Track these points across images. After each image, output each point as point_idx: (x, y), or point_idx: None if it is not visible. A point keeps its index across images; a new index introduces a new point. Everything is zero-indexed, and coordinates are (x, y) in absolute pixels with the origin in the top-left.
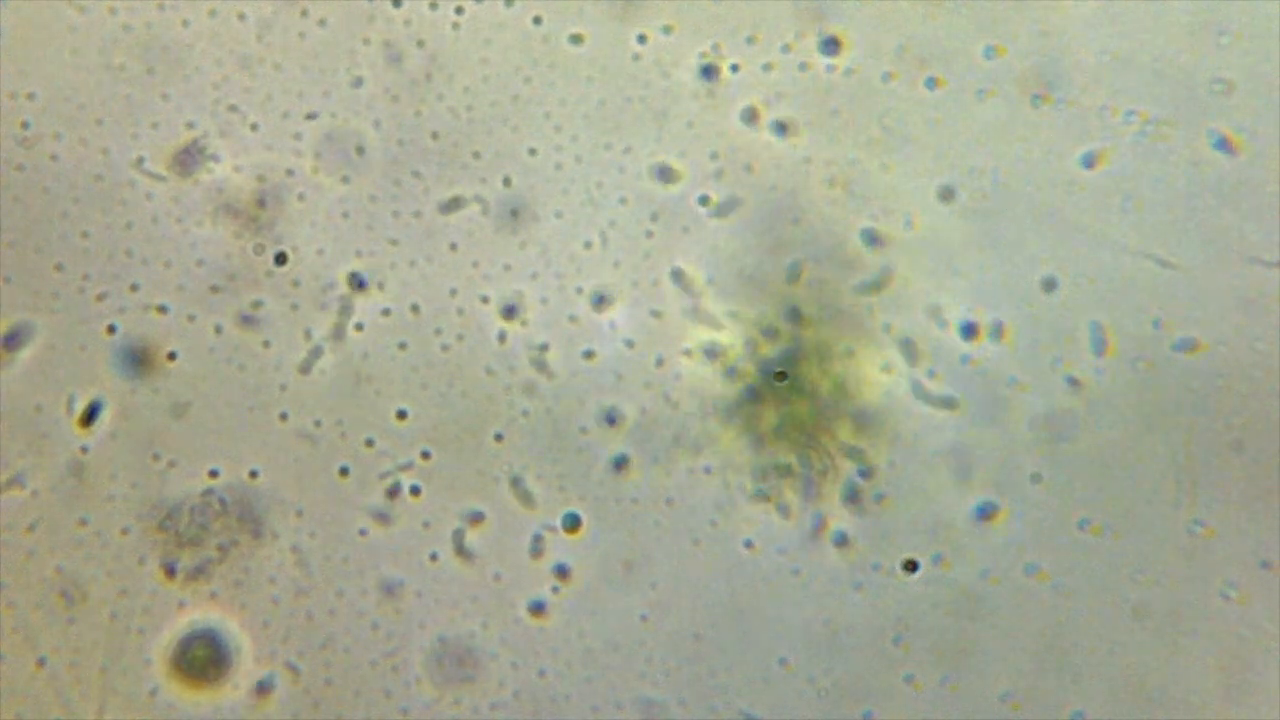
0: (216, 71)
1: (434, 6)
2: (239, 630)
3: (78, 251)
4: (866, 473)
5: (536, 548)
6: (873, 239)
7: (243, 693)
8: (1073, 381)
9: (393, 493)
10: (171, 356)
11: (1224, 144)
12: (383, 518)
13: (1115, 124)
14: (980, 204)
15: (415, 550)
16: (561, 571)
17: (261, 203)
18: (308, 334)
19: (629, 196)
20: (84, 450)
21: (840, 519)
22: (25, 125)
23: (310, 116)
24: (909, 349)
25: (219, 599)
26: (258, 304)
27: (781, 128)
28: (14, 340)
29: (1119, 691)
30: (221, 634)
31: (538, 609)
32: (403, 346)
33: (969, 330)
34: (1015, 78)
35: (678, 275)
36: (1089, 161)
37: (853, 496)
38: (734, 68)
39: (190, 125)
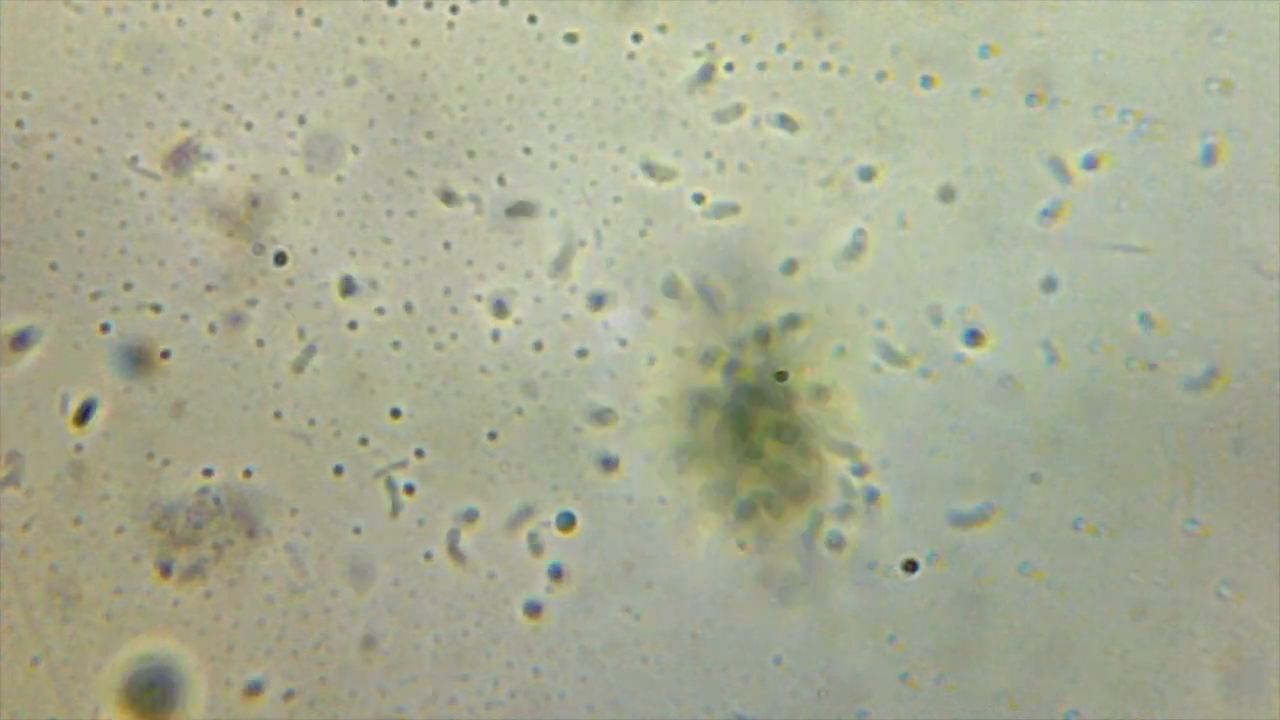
0: (211, 71)
1: (429, 5)
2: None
3: (73, 250)
4: (861, 472)
5: (531, 547)
6: (868, 238)
7: (236, 692)
8: (1071, 381)
9: (397, 509)
10: (166, 355)
11: (1221, 144)
12: (384, 516)
13: (1111, 124)
14: (979, 204)
15: (410, 549)
16: (556, 571)
17: (255, 202)
18: (301, 333)
19: (624, 195)
20: (79, 449)
21: (837, 519)
22: (21, 124)
23: (301, 120)
24: (906, 348)
25: (214, 598)
26: (252, 303)
27: (777, 127)
28: (13, 339)
29: (1118, 691)
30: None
31: (533, 608)
32: (397, 345)
33: (967, 330)
34: (1011, 77)
35: (670, 281)
36: (1086, 161)
37: (844, 510)
38: (729, 67)
39: (185, 124)
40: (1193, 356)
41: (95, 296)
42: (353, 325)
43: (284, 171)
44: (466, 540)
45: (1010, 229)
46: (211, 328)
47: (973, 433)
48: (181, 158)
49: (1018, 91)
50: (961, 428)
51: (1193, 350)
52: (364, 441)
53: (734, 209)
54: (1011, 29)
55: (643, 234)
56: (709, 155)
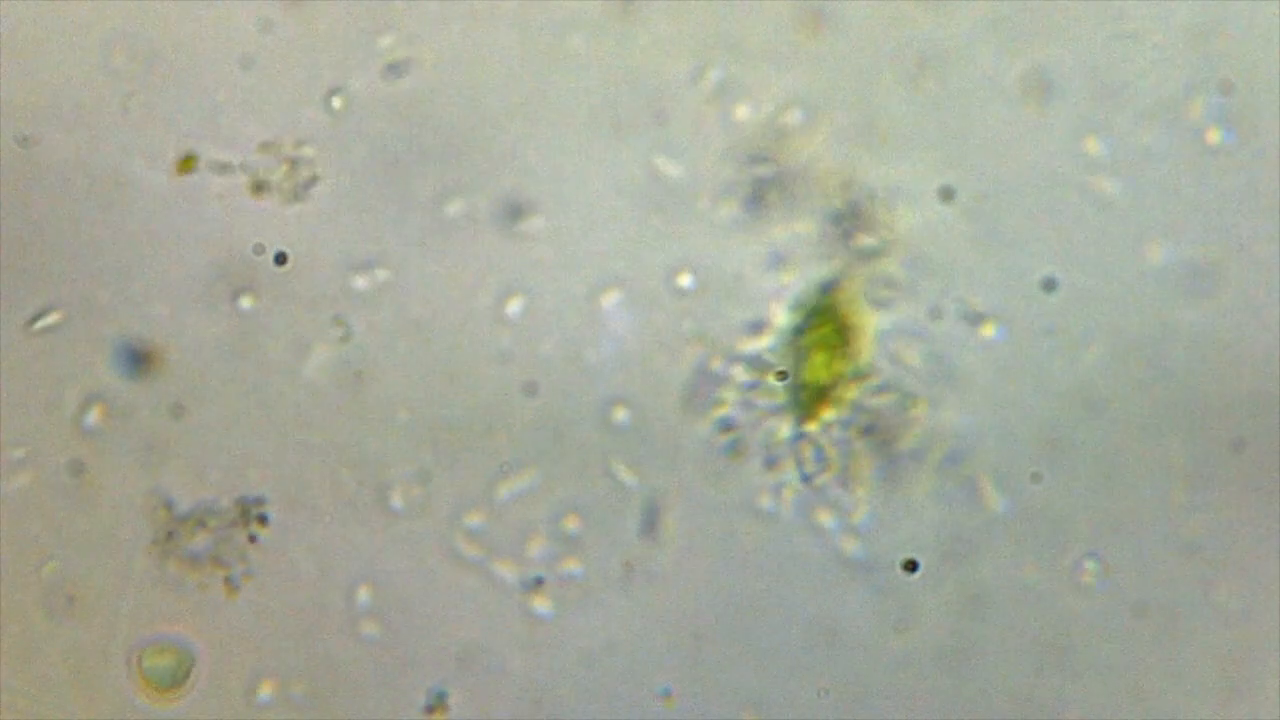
0: (216, 71)
1: (434, 4)
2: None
3: (72, 251)
4: (862, 474)
5: (532, 547)
6: (872, 238)
7: (236, 690)
8: (1072, 381)
9: (391, 492)
10: (170, 356)
11: (1223, 144)
12: (384, 517)
13: (1114, 124)
14: (980, 204)
15: (411, 549)
16: (560, 571)
17: (260, 203)
18: (306, 334)
19: (628, 195)
20: (83, 449)
21: (840, 519)
22: (24, 126)
23: (302, 119)
24: (909, 349)
25: (213, 598)
26: (256, 304)
27: (781, 127)
28: (13, 339)
29: (1119, 691)
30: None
31: (537, 609)
32: (402, 346)
33: (968, 330)
34: (1015, 77)
35: (675, 281)
36: (1088, 161)
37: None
38: (733, 67)
39: (189, 125)
40: (1193, 356)
41: (99, 297)
42: (354, 325)
43: (284, 171)
44: (467, 540)
45: (1010, 229)
46: (216, 328)
47: (976, 433)
48: (185, 158)
49: (1022, 91)
50: (965, 429)
51: (1193, 349)
52: (369, 442)
53: (733, 208)
54: (1016, 29)
55: (648, 234)
56: (713, 155)
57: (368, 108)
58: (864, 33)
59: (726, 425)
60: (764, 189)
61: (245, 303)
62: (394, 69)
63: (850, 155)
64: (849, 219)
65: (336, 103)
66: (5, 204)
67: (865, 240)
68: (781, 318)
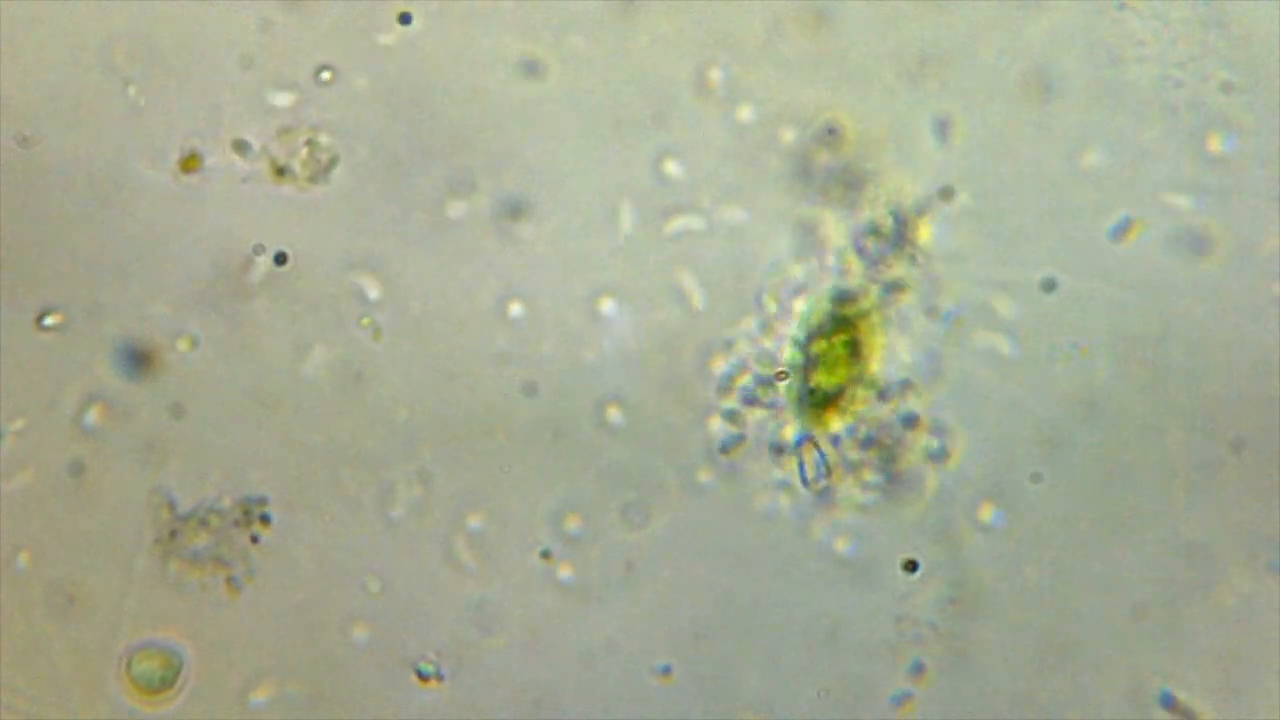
0: (216, 71)
1: (434, 4)
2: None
3: (76, 251)
4: (865, 481)
5: (535, 548)
6: (872, 238)
7: (235, 691)
8: (1072, 381)
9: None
10: (170, 356)
11: (1223, 145)
12: (386, 516)
13: (1114, 124)
14: (980, 204)
15: (410, 550)
16: (560, 572)
17: (260, 202)
18: (306, 334)
19: (629, 196)
20: (83, 449)
21: (841, 518)
22: (24, 126)
23: (302, 119)
24: (908, 349)
25: (213, 598)
26: (257, 304)
27: (781, 127)
28: (13, 338)
29: (1119, 691)
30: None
31: (536, 609)
32: (402, 346)
33: (967, 330)
34: (1015, 77)
35: (675, 281)
36: (1089, 162)
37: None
38: (733, 68)
39: (189, 125)
40: (1193, 356)
41: (99, 297)
42: (353, 324)
43: (284, 170)
44: (466, 541)
45: (1010, 229)
46: (216, 328)
47: (976, 433)
48: (186, 158)
49: (1022, 91)
50: (965, 429)
51: (1193, 350)
52: (368, 442)
53: (734, 209)
54: (1015, 29)
55: (649, 234)
56: (714, 156)
57: (367, 108)
58: (864, 33)
59: (729, 427)
60: (821, 186)
61: (245, 302)
62: (395, 68)
63: (852, 157)
64: (889, 235)
65: (336, 101)
66: (5, 204)
67: (899, 258)
68: (791, 323)
